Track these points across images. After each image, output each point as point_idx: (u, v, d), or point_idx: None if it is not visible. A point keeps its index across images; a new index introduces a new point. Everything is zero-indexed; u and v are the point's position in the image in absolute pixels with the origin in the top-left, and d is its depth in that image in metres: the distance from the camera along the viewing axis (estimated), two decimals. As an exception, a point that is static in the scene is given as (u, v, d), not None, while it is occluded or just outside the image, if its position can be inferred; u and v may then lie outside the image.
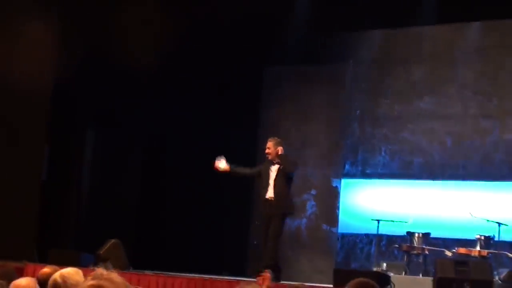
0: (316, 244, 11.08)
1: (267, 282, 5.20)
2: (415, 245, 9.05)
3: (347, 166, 11.34)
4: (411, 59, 11.22)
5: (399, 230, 9.75)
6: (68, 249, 9.76)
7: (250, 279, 7.63)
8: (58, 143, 10.37)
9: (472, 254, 8.55)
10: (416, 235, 9.09)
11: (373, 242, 10.50)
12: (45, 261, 8.19)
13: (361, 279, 3.56)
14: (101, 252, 8.74)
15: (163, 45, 9.88)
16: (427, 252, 9.01)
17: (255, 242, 11.12)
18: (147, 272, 8.67)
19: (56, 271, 3.77)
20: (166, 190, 11.67)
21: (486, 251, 8.54)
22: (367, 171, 11.24)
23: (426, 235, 9.12)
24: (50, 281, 3.64)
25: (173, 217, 11.54)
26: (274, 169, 8.49)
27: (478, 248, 8.61)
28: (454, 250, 8.72)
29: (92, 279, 2.54)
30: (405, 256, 9.14)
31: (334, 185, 11.21)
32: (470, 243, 8.87)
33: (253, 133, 11.49)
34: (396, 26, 11.23)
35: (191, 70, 11.10)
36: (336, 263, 10.74)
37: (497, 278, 8.03)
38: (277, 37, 11.24)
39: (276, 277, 8.05)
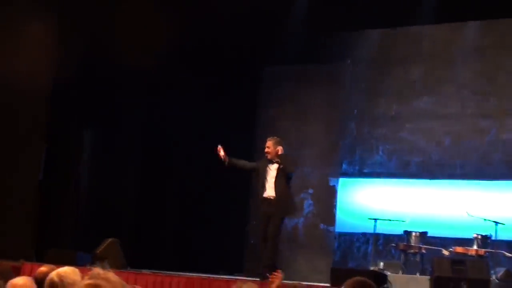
0: (314, 243, 11.08)
1: (277, 282, 5.20)
2: (412, 244, 9.06)
3: (344, 165, 11.35)
4: (410, 58, 11.23)
5: (396, 229, 9.76)
6: (66, 248, 9.75)
7: (248, 278, 7.67)
8: (56, 142, 10.38)
9: (469, 253, 8.57)
10: (413, 234, 9.11)
11: (370, 241, 10.48)
12: (42, 260, 8.18)
13: (358, 278, 3.56)
14: (98, 251, 8.70)
15: (162, 45, 9.89)
16: (424, 251, 9.02)
17: (252, 242, 11.15)
18: (145, 271, 8.64)
19: (53, 270, 3.76)
20: (164, 189, 11.69)
21: (483, 250, 8.56)
22: (365, 170, 11.26)
23: (423, 234, 9.14)
24: (47, 280, 3.64)
25: (171, 217, 11.57)
26: (273, 168, 8.40)
27: (475, 247, 8.63)
28: (451, 249, 8.73)
29: (89, 278, 2.57)
30: (402, 255, 9.15)
31: (331, 184, 11.21)
32: (467, 242, 8.89)
33: (252, 132, 11.51)
34: (395, 26, 11.25)
35: (191, 70, 11.12)
36: (334, 262, 10.73)
37: (494, 277, 8.05)
38: (276, 37, 11.24)
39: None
